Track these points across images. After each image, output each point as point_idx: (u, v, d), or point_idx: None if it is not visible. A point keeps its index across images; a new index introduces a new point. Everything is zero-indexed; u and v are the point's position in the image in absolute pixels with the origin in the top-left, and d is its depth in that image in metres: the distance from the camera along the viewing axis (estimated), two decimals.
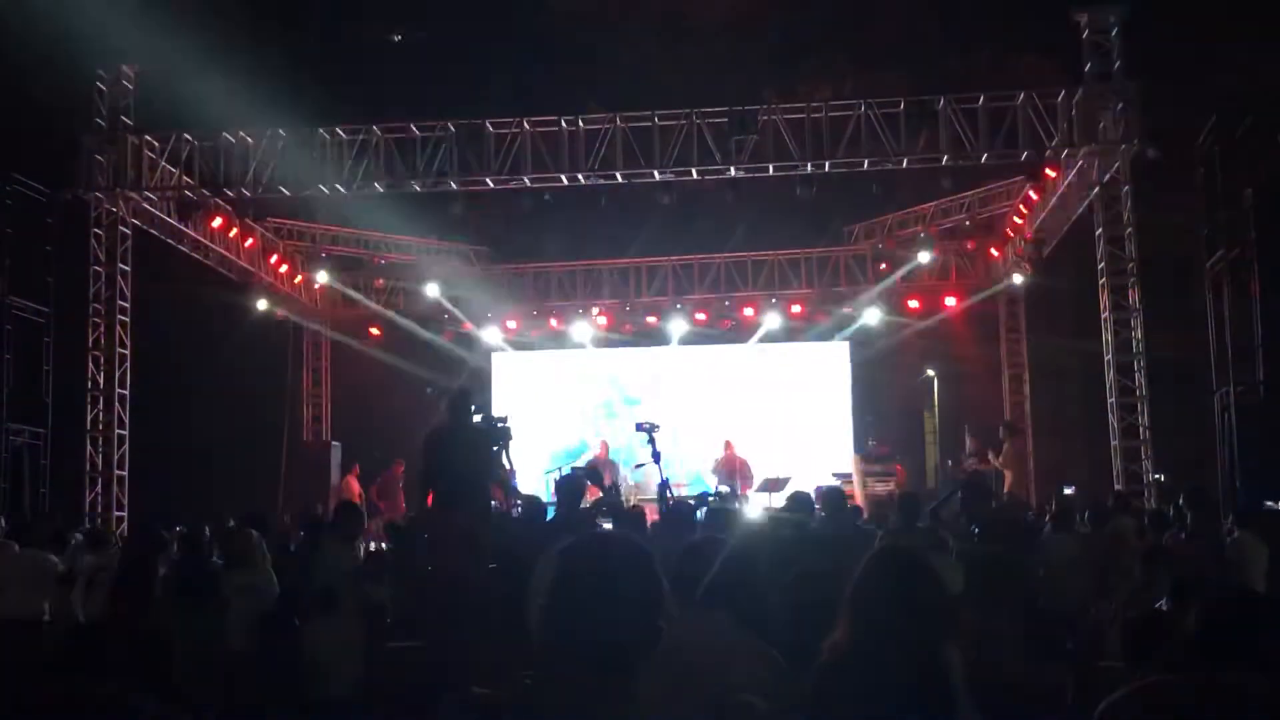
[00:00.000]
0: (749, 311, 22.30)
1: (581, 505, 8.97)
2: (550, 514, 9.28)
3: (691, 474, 20.64)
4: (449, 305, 22.85)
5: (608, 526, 8.71)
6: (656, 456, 12.45)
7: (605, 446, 20.46)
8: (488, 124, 16.76)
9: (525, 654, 2.47)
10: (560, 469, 20.83)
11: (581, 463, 17.92)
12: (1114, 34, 15.94)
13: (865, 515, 16.48)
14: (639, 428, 13.16)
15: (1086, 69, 16.05)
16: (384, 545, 12.51)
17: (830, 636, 3.54)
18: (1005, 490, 17.20)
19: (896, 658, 3.21)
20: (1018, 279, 20.60)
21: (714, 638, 3.92)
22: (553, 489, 10.38)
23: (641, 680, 2.45)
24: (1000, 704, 4.11)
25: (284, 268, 21.70)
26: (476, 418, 9.75)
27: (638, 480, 18.20)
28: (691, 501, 11.50)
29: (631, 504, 13.93)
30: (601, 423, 22.63)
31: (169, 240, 18.76)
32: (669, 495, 11.30)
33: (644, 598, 2.49)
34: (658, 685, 2.58)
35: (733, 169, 16.67)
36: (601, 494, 8.85)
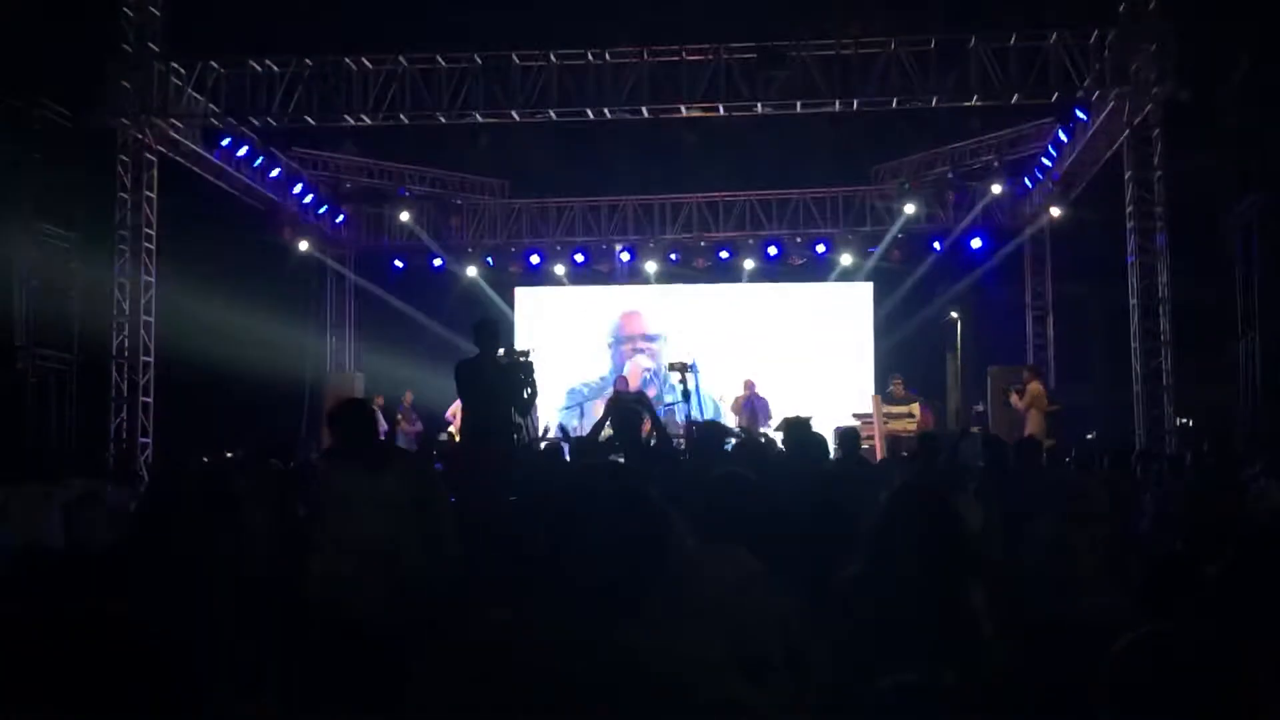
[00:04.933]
0: (773, 250, 22.23)
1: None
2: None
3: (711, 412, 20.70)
4: (472, 238, 22.87)
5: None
6: (686, 396, 12.42)
7: (625, 382, 20.52)
8: (514, 56, 16.68)
9: (541, 578, 2.51)
10: (581, 405, 20.98)
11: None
12: None
13: (880, 455, 16.57)
14: (672, 367, 13.12)
15: (1120, 9, 15.85)
16: None
17: (847, 570, 3.56)
18: (1027, 433, 17.15)
19: (917, 593, 3.23)
20: (1044, 221, 20.47)
21: (734, 572, 3.95)
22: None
23: (654, 611, 2.47)
24: (1028, 642, 4.14)
25: (309, 198, 21.69)
26: (500, 352, 9.76)
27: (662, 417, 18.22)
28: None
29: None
30: (624, 360, 22.75)
31: (195, 168, 18.78)
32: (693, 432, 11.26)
33: (641, 527, 2.50)
34: (676, 617, 2.61)
35: (760, 105, 16.57)
36: (655, 428, 8.74)
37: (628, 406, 8.55)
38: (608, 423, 8.70)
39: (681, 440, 12.43)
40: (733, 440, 9.00)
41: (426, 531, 5.95)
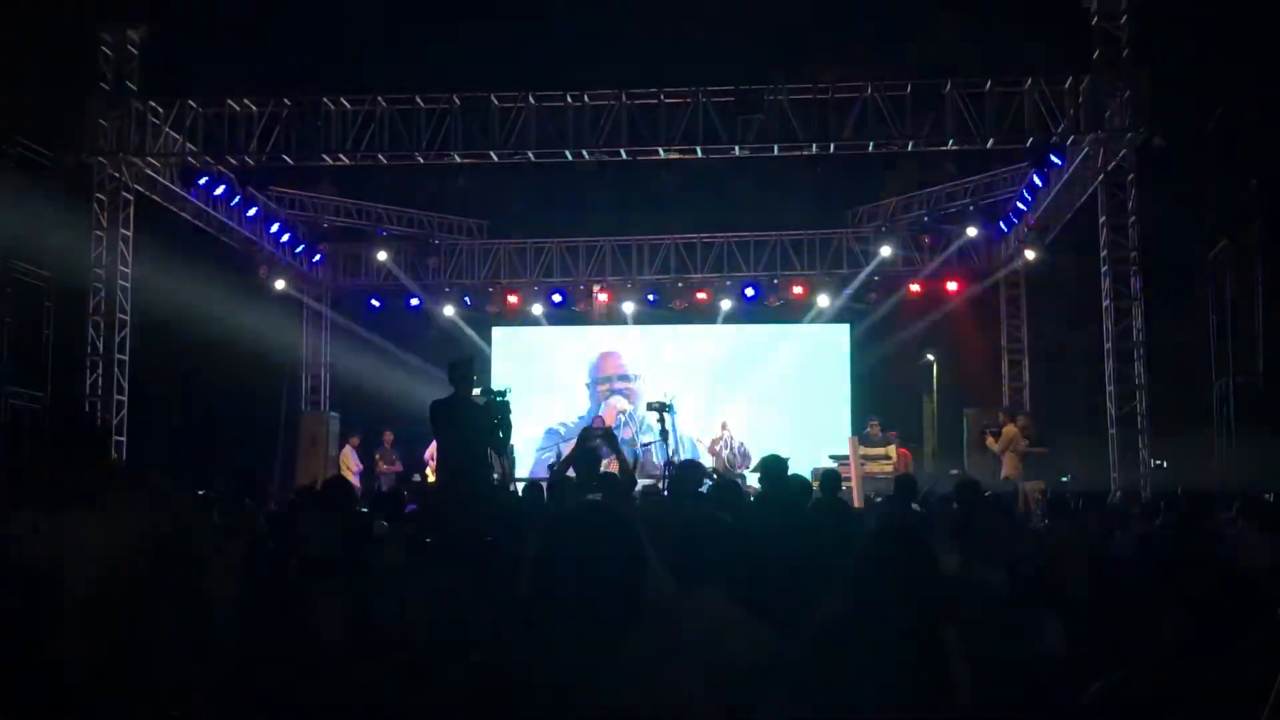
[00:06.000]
0: (750, 292, 22.27)
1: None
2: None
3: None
4: (449, 278, 22.87)
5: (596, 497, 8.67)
6: (665, 436, 12.43)
7: (602, 422, 20.50)
8: (493, 97, 16.73)
9: (521, 621, 2.49)
10: (559, 447, 20.95)
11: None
12: (1123, 21, 15.90)
13: (857, 496, 16.58)
14: (650, 406, 13.11)
15: (1095, 56, 16.01)
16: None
17: (824, 611, 3.55)
18: (1003, 476, 17.19)
19: (893, 635, 3.22)
20: (1020, 265, 20.58)
21: (709, 613, 3.92)
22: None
23: (632, 652, 2.45)
24: (1005, 687, 4.12)
25: (285, 237, 21.65)
26: (476, 391, 9.72)
27: (639, 457, 18.22)
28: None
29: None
30: (601, 400, 22.76)
31: (171, 207, 18.75)
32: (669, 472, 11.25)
33: (622, 568, 2.49)
34: (652, 659, 2.59)
35: (738, 148, 16.64)
36: (619, 465, 8.76)
37: (590, 446, 8.53)
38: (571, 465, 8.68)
39: (660, 481, 12.44)
40: (708, 482, 8.99)
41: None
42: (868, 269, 21.75)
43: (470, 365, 9.68)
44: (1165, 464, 16.54)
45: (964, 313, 22.06)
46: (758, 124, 16.33)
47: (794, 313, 22.75)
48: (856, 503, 16.09)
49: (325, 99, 16.88)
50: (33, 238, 17.12)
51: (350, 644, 5.56)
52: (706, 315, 22.89)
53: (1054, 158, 16.97)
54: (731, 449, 19.51)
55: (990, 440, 17.91)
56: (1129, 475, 16.18)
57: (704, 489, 8.55)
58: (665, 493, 9.73)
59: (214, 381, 19.91)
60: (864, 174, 19.01)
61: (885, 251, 21.23)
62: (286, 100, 16.89)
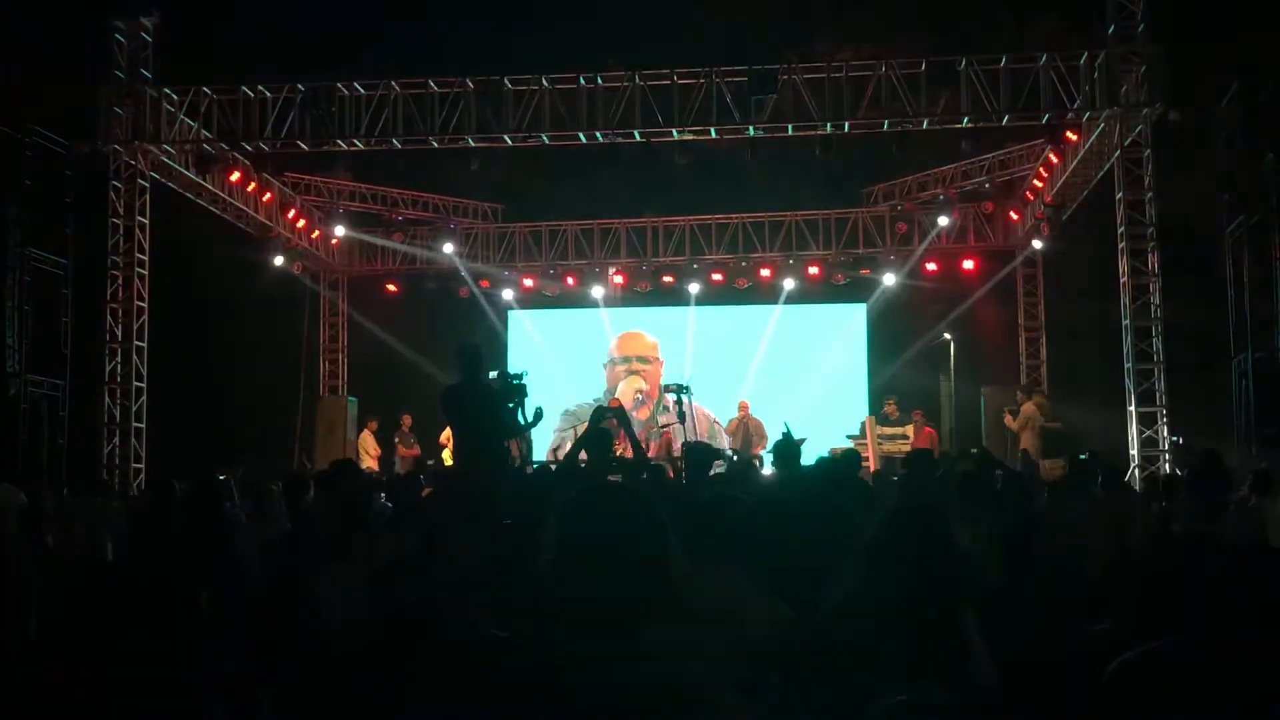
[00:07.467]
0: (765, 273, 22.23)
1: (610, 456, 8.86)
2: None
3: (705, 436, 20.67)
4: (465, 262, 22.88)
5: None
6: (682, 417, 12.45)
7: (630, 393, 20.55)
8: (506, 81, 16.72)
9: (538, 604, 2.49)
10: (575, 428, 20.96)
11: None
12: None
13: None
14: (667, 388, 13.14)
15: (1110, 31, 15.93)
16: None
17: (842, 587, 3.55)
18: (1021, 451, 17.17)
19: (910, 611, 3.22)
20: (1036, 243, 20.51)
21: (726, 593, 3.93)
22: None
23: (652, 633, 2.46)
24: (1021, 665, 4.12)
25: (301, 223, 21.69)
26: (493, 375, 9.69)
27: (654, 439, 18.24)
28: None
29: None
30: (618, 382, 22.75)
31: (187, 194, 18.80)
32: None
33: (646, 548, 2.49)
34: (669, 639, 2.59)
35: (752, 128, 16.60)
36: (630, 445, 8.75)
37: (602, 426, 8.50)
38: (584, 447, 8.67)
39: (681, 461, 12.47)
40: (722, 463, 9.00)
41: None
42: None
43: (476, 350, 9.59)
44: (1182, 441, 16.49)
45: (981, 291, 21.98)
46: (771, 104, 16.28)
47: (810, 293, 22.68)
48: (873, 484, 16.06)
49: (338, 84, 16.88)
50: (50, 226, 17.18)
51: (359, 624, 5.58)
52: (722, 296, 22.85)
53: (1070, 134, 16.91)
54: (748, 429, 19.51)
55: (1009, 419, 17.87)
56: (1147, 452, 16.16)
57: (721, 469, 8.56)
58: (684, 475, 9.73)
59: (232, 367, 19.97)
60: (879, 153, 18.94)
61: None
62: (300, 85, 16.90)
